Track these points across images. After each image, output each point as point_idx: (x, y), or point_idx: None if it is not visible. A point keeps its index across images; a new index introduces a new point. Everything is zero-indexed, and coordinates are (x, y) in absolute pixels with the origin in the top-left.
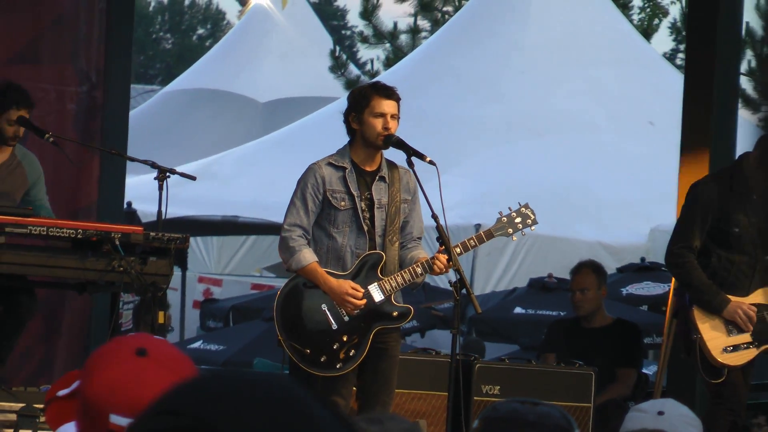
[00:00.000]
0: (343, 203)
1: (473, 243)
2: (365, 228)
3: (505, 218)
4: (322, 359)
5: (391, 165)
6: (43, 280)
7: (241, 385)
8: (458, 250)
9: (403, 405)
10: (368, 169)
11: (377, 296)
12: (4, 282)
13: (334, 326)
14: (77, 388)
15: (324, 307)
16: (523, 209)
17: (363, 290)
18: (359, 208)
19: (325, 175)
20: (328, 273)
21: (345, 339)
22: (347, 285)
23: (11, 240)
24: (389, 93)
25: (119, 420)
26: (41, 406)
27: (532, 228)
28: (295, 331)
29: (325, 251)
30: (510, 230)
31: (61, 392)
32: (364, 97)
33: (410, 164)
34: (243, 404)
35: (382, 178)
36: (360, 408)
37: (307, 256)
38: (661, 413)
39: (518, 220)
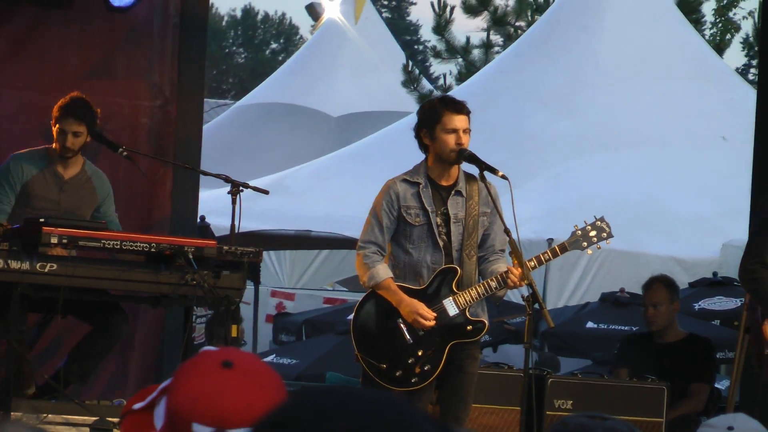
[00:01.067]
0: (417, 219)
1: (547, 257)
2: (441, 243)
3: (579, 231)
4: (397, 374)
5: (470, 178)
6: (116, 294)
7: (350, 403)
8: (532, 264)
9: (476, 419)
10: (444, 183)
11: (451, 310)
12: (78, 296)
13: (410, 341)
14: (153, 400)
15: (399, 321)
16: (599, 222)
17: (436, 309)
18: (434, 223)
19: (400, 191)
20: (405, 288)
21: (420, 354)
22: (417, 305)
23: (85, 254)
24: (459, 108)
25: (201, 430)
26: (114, 419)
27: (608, 242)
28: (371, 345)
29: (402, 267)
30: (584, 243)
31: (137, 405)
32: (434, 113)
33: (483, 179)
34: (350, 422)
35: (459, 192)
36: None
37: (381, 273)
38: (730, 428)
39: (593, 233)
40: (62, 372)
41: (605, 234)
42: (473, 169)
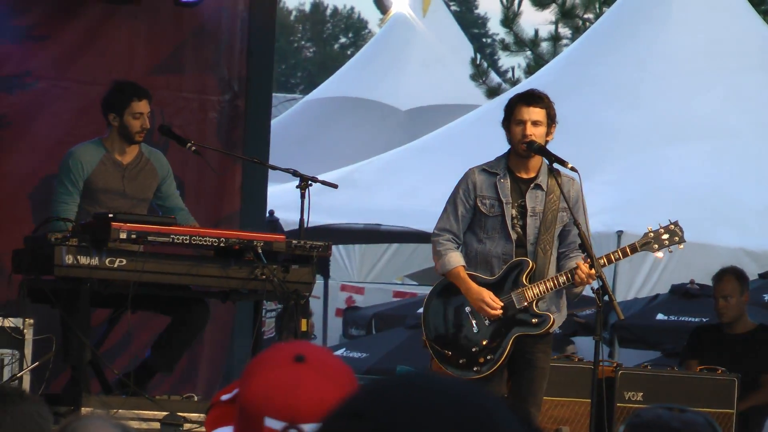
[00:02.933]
0: (492, 210)
1: (617, 256)
2: (514, 235)
3: (652, 234)
4: (460, 361)
5: (554, 172)
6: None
7: (427, 392)
8: (602, 261)
9: (546, 412)
10: (523, 176)
11: (519, 303)
12: (151, 291)
13: (475, 329)
14: (237, 393)
15: (468, 309)
16: (672, 226)
17: (501, 302)
18: (509, 215)
19: (477, 181)
20: (475, 277)
21: (485, 343)
22: (485, 293)
23: (154, 249)
24: (530, 100)
25: (273, 424)
26: (184, 414)
27: (680, 246)
28: (439, 331)
29: (474, 255)
30: (656, 246)
31: (224, 397)
32: (509, 106)
33: (552, 171)
34: (426, 413)
35: (538, 186)
36: None
37: (452, 260)
38: None
39: (665, 236)
40: (148, 362)
41: (677, 238)
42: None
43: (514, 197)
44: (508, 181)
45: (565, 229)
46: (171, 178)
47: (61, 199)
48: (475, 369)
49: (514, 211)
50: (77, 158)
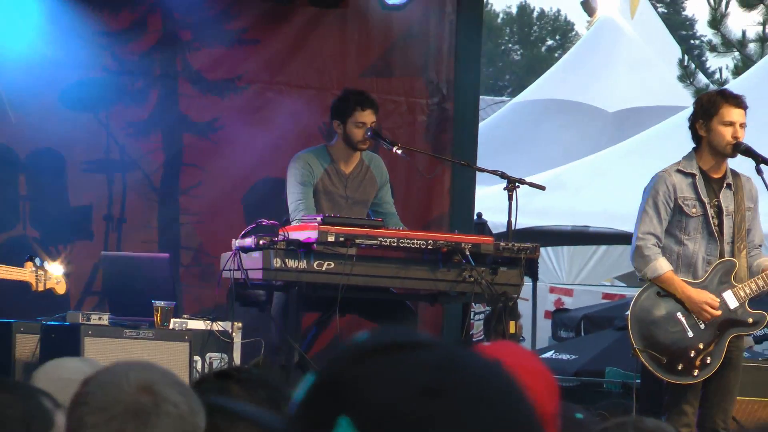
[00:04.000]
0: (694, 210)
1: None
2: (716, 234)
3: None
4: (679, 367)
5: (734, 173)
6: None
7: (502, 373)
8: None
9: (754, 413)
10: (715, 176)
11: (732, 303)
12: (358, 294)
13: (690, 334)
14: None
15: (679, 315)
16: None
17: (719, 300)
18: (709, 214)
19: (676, 182)
20: (684, 281)
21: (701, 347)
22: (706, 294)
23: (362, 252)
24: (738, 101)
25: None
26: None
27: None
28: (651, 339)
29: (675, 258)
30: None
31: None
32: (713, 105)
33: (759, 172)
34: (508, 395)
35: (729, 186)
36: (700, 415)
37: (663, 265)
38: None
39: None
40: None
41: None
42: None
43: (710, 197)
44: (702, 180)
45: (748, 228)
46: (388, 185)
47: (301, 198)
48: (695, 374)
49: (711, 211)
50: (307, 162)
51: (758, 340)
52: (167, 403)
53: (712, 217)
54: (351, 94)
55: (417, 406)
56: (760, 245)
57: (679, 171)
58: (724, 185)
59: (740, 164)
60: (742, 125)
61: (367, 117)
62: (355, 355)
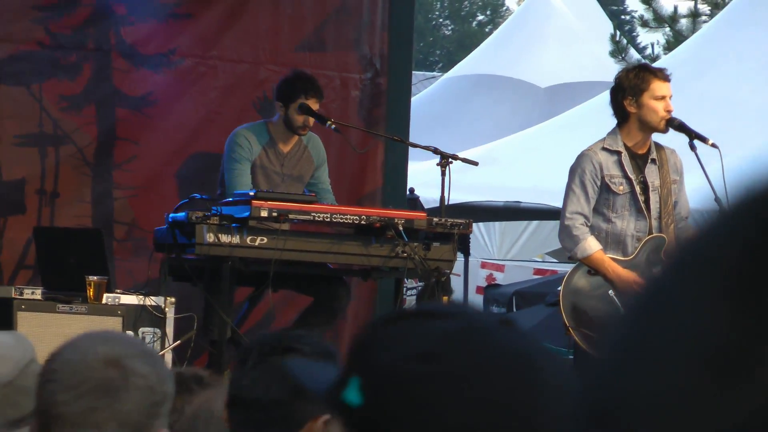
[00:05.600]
0: (621, 187)
1: None
2: (644, 211)
3: None
4: None
5: (658, 146)
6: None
7: (505, 343)
8: None
9: None
10: (640, 152)
11: None
12: (292, 269)
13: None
14: None
15: (611, 292)
16: None
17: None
18: (637, 191)
19: (602, 160)
20: (613, 259)
21: None
22: (634, 275)
23: (295, 227)
24: (665, 75)
25: None
26: None
27: None
28: (583, 317)
29: (604, 236)
30: None
31: None
32: (643, 80)
33: (692, 147)
34: (504, 365)
35: (653, 161)
36: None
37: (593, 245)
38: None
39: None
40: None
41: None
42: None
43: (637, 173)
44: (628, 157)
45: (674, 201)
46: (325, 165)
47: (238, 175)
48: None
49: (638, 188)
50: (246, 138)
51: None
52: (135, 376)
53: (639, 194)
54: (298, 79)
55: (414, 369)
56: (687, 217)
57: (604, 149)
58: (649, 160)
59: (670, 139)
60: (671, 98)
61: (311, 105)
62: (377, 320)
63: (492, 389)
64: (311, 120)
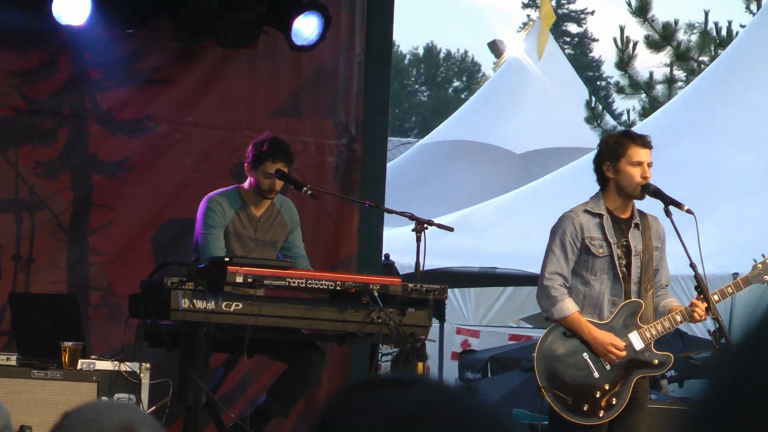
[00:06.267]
0: (600, 250)
1: (731, 290)
2: (621, 275)
3: (760, 265)
4: (584, 408)
5: (641, 213)
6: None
7: (477, 409)
8: (716, 297)
9: None
10: (623, 216)
11: (638, 344)
12: (267, 335)
13: (596, 375)
14: None
15: (585, 355)
16: None
17: (624, 340)
18: (615, 255)
19: (583, 222)
20: (590, 322)
21: (607, 387)
22: (611, 336)
23: (270, 292)
24: (645, 141)
25: None
26: None
27: None
28: (557, 379)
29: (582, 299)
30: (766, 277)
31: None
32: (620, 146)
33: (668, 213)
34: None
35: (637, 225)
36: None
37: (570, 306)
38: None
39: None
40: (263, 408)
41: None
42: (655, 205)
43: (618, 237)
44: (610, 221)
45: (655, 268)
46: (299, 229)
47: (212, 239)
48: (600, 414)
49: (619, 251)
50: (219, 204)
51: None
52: None
53: (619, 258)
54: (268, 142)
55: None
56: (667, 285)
57: (586, 211)
58: (632, 225)
59: (647, 205)
60: (650, 164)
61: (280, 169)
62: (349, 388)
63: None
64: (278, 183)
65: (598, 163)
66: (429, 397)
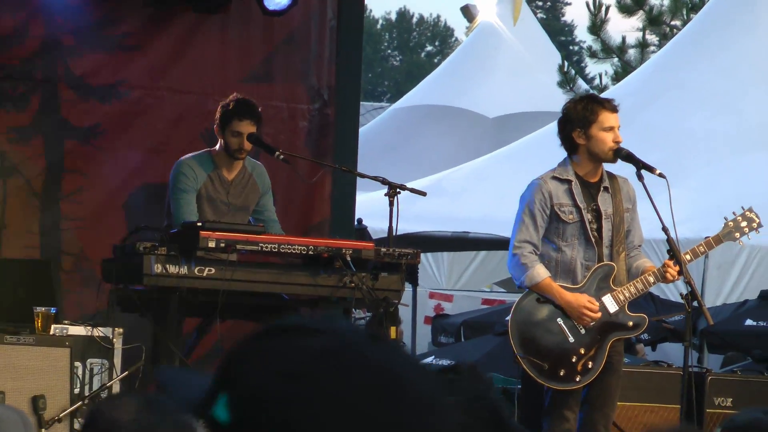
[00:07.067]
0: (570, 216)
1: (702, 249)
2: (593, 239)
3: (731, 223)
4: (561, 373)
5: (611, 175)
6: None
7: (372, 363)
8: (688, 257)
9: (635, 418)
10: (592, 180)
11: (612, 307)
12: (240, 299)
13: (571, 339)
14: None
15: (559, 320)
16: (747, 213)
17: (598, 303)
18: (586, 219)
19: (551, 189)
20: (562, 287)
21: (582, 352)
22: (584, 298)
23: (243, 257)
24: (613, 105)
25: None
26: None
27: (757, 231)
28: (532, 345)
29: (554, 265)
30: (737, 234)
31: None
32: (591, 112)
33: (640, 177)
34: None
35: (606, 189)
36: (582, 420)
37: (541, 272)
38: None
39: (744, 224)
40: None
41: (755, 224)
42: (627, 168)
43: (587, 201)
44: (579, 186)
45: (627, 229)
46: (270, 193)
47: (184, 204)
48: (577, 379)
49: (589, 216)
50: (190, 167)
51: (645, 344)
52: None
53: (590, 222)
54: (234, 102)
55: (280, 389)
56: (640, 245)
57: (554, 178)
58: (602, 188)
59: (618, 169)
60: (619, 128)
61: (245, 127)
62: (250, 336)
63: (356, 410)
64: (247, 144)
65: (567, 130)
66: (323, 351)
